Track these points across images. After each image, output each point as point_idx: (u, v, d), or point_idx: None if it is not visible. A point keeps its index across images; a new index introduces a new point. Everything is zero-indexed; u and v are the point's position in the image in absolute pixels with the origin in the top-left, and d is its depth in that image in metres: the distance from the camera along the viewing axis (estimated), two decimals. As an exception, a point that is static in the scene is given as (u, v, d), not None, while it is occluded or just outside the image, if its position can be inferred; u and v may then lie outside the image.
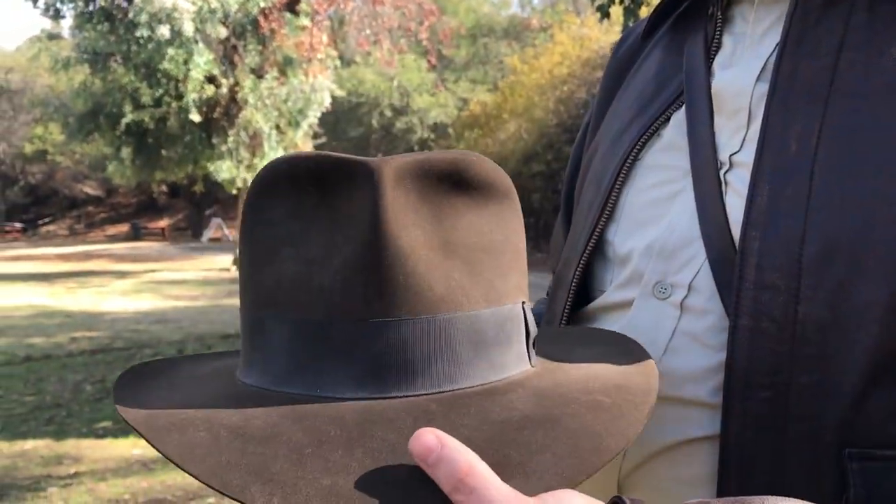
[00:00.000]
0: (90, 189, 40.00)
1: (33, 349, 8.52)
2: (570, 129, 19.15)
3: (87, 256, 24.03)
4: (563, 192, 0.90)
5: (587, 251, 0.71)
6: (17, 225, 39.94)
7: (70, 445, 5.00)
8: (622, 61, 0.82)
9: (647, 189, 0.69)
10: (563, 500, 0.40)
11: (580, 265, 0.71)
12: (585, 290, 0.73)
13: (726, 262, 0.58)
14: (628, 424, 0.45)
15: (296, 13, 17.57)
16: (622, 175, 0.70)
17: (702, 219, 0.61)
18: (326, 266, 0.46)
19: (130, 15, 15.15)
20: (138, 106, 16.83)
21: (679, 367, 0.61)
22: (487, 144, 22.21)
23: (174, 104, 16.91)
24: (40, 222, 41.99)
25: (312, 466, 0.39)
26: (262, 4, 16.01)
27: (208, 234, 31.85)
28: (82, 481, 4.33)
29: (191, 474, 0.37)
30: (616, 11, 7.78)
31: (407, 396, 0.45)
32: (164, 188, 36.72)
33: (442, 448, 0.40)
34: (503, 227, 0.51)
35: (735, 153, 0.63)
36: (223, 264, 19.68)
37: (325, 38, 17.50)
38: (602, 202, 0.71)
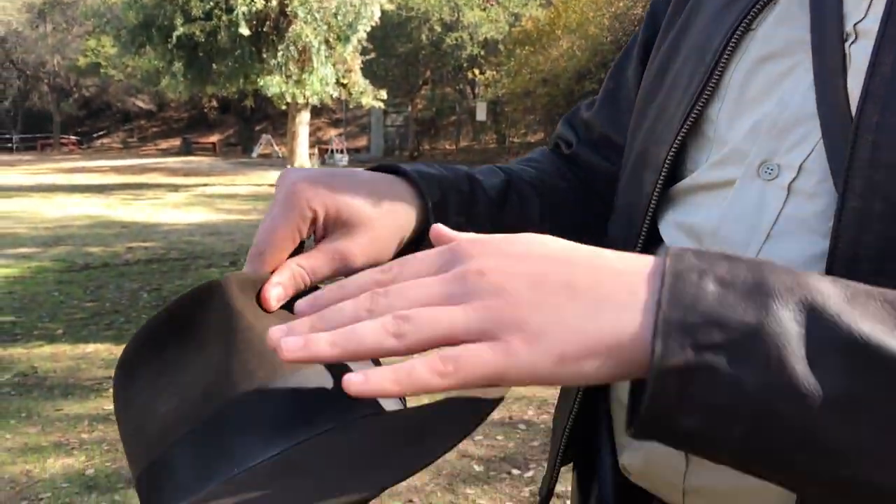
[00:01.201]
0: (142, 103, 40.38)
1: (92, 258, 8.76)
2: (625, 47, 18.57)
3: (141, 170, 24.45)
4: (639, 48, 0.82)
5: (684, 129, 0.65)
6: (73, 138, 40.68)
7: (129, 350, 5.18)
8: None
9: (758, 63, 0.63)
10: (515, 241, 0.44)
11: (675, 144, 0.66)
12: (672, 172, 0.68)
13: (843, 143, 0.54)
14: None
15: (346, -77, 17.16)
16: (730, 48, 0.64)
17: (819, 95, 0.56)
18: (203, 376, 0.50)
19: (180, -76, 14.92)
20: (189, 19, 16.76)
21: (781, 254, 0.57)
22: (539, 62, 21.72)
23: (224, 17, 16.80)
24: (95, 135, 42.69)
25: None
26: (313, -87, 15.64)
27: (258, 149, 32.07)
28: (142, 383, 4.49)
29: None
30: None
31: (308, 440, 0.49)
32: (214, 103, 36.90)
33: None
34: None
35: (859, 21, 0.57)
36: (273, 180, 19.85)
37: (375, -50, 17.10)
38: (705, 77, 0.65)
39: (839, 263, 0.52)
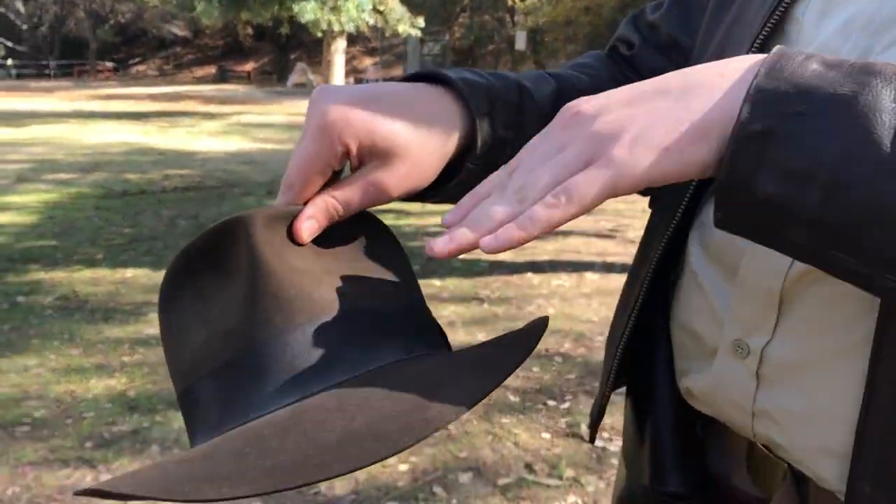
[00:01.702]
0: (178, 30, 40.17)
1: (129, 184, 8.82)
2: (671, -25, 17.93)
3: (177, 97, 24.45)
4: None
5: (766, 29, 0.60)
6: (109, 64, 40.75)
7: (168, 275, 5.22)
8: None
9: None
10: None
11: (756, 45, 0.61)
12: None
13: None
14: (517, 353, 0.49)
15: None
16: None
17: None
18: (227, 314, 0.50)
19: None
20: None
21: None
22: (580, -10, 21.11)
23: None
24: (131, 62, 42.71)
25: (252, 458, 0.42)
26: None
27: (293, 78, 31.87)
28: (180, 309, 4.54)
29: (146, 499, 0.40)
30: None
31: (327, 388, 0.48)
32: (249, 31, 36.59)
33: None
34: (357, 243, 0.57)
35: None
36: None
37: None
38: None
39: None
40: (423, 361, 0.50)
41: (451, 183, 0.61)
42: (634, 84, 0.46)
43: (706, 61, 0.66)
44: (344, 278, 0.52)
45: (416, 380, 0.46)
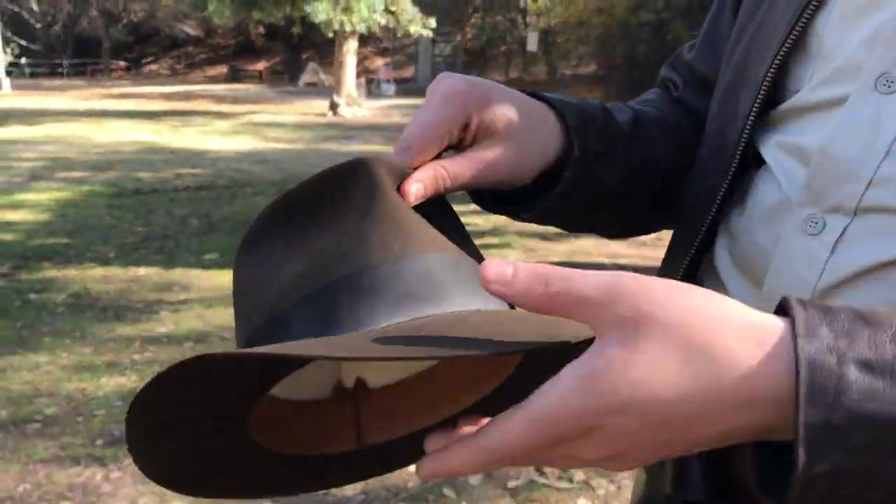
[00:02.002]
0: (190, 29, 40.32)
1: (141, 183, 8.86)
2: (684, -24, 17.89)
3: (189, 96, 24.54)
4: (715, 3, 0.78)
5: (787, 44, 0.60)
6: (122, 63, 40.95)
7: (179, 274, 5.24)
8: None
9: None
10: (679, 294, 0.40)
11: (777, 60, 0.60)
12: (771, 92, 0.62)
13: None
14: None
15: None
16: None
17: None
18: (340, 242, 0.51)
19: None
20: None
21: None
22: (593, -9, 21.07)
23: (272, -59, 16.56)
24: (143, 61, 42.92)
25: (383, 342, 0.43)
26: None
27: (305, 78, 31.92)
28: (192, 307, 4.55)
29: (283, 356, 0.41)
30: None
31: (445, 314, 0.49)
32: (261, 30, 36.69)
33: (515, 267, 0.41)
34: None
35: None
36: (320, 109, 19.79)
37: None
38: None
39: None
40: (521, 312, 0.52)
41: (551, 191, 0.63)
42: (662, 414, 0.39)
43: (728, 80, 0.67)
44: (445, 234, 0.54)
45: (528, 319, 0.47)
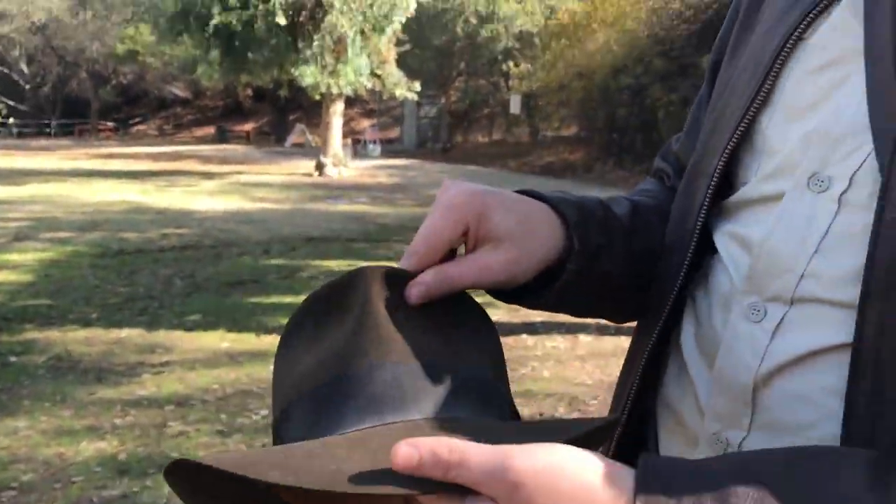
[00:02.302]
0: (179, 91, 40.79)
1: (126, 243, 8.86)
2: (662, 41, 18.36)
3: (176, 157, 24.70)
4: (708, 72, 0.83)
5: (735, 138, 0.65)
6: (110, 124, 41.24)
7: (162, 336, 5.22)
8: None
9: (811, 72, 0.62)
10: (549, 454, 0.46)
11: (725, 153, 0.65)
12: (727, 180, 0.67)
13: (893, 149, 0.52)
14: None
15: (384, -85, 17.15)
16: (783, 56, 0.63)
17: (872, 105, 0.55)
18: (335, 345, 0.57)
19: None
20: (226, 8, 16.89)
21: (830, 268, 0.56)
22: (574, 55, 21.55)
23: (261, 7, 16.91)
24: (131, 122, 43.24)
25: (321, 460, 0.48)
26: None
27: (291, 139, 32.24)
28: (174, 370, 4.53)
29: (225, 472, 0.46)
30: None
31: (403, 422, 0.53)
32: (249, 92, 37.16)
33: (420, 450, 0.45)
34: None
35: None
36: (306, 169, 19.95)
37: (413, -59, 17.09)
38: (758, 85, 0.64)
39: (877, 276, 0.51)
40: (491, 421, 0.56)
41: (555, 284, 0.67)
42: None
43: (690, 169, 0.73)
44: (438, 339, 0.58)
45: (481, 431, 0.51)
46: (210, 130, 38.51)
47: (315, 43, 16.91)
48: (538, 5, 25.94)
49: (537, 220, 0.65)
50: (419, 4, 18.31)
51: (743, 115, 0.64)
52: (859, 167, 0.55)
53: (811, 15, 0.63)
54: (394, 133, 33.17)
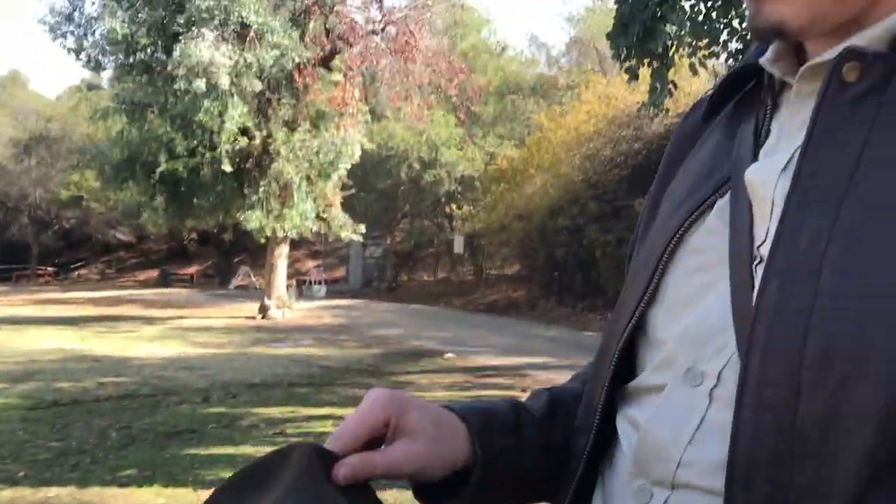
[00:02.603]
0: (122, 235, 40.66)
1: (61, 394, 8.62)
2: (596, 186, 19.23)
3: (117, 301, 24.33)
4: (628, 257, 0.89)
5: (627, 331, 0.72)
6: (50, 269, 40.60)
7: (94, 493, 5.04)
8: (685, 136, 0.83)
9: (690, 272, 0.68)
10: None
11: (620, 344, 0.72)
12: (631, 366, 0.73)
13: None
14: None
15: (330, 69, 17.99)
16: (666, 256, 0.70)
17: (734, 309, 0.61)
18: None
19: (169, 68, 15.61)
20: (173, 156, 17.22)
21: (703, 457, 0.61)
22: (513, 198, 22.36)
23: (208, 154, 17.29)
24: (73, 266, 42.65)
25: None
26: (298, 60, 16.42)
27: (235, 281, 32.13)
28: (105, 529, 4.36)
29: None
30: (644, 73, 7.93)
31: None
32: (194, 235, 37.23)
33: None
34: None
35: (761, 244, 0.62)
36: (250, 312, 19.82)
37: (357, 94, 17.86)
38: (646, 282, 0.71)
39: (739, 472, 0.56)
40: None
41: (468, 485, 0.74)
42: None
43: (598, 352, 0.80)
44: None
45: None
46: (153, 274, 38.19)
47: (261, 188, 17.25)
48: (478, 152, 27.06)
49: (447, 426, 0.74)
50: (364, 151, 18.95)
51: (635, 307, 0.71)
52: (725, 365, 0.61)
53: (692, 217, 0.70)
54: (339, 273, 33.37)
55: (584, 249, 18.07)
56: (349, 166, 18.04)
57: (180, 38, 15.50)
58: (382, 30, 18.62)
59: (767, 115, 0.69)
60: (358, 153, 17.74)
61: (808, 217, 0.58)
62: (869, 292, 0.54)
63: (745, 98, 0.74)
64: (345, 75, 17.65)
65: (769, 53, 0.69)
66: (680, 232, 0.70)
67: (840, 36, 0.62)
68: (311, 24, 17.58)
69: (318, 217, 18.43)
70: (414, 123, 22.42)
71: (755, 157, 0.67)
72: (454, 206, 26.80)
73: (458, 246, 26.15)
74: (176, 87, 15.27)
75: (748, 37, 7.07)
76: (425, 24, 19.07)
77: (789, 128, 0.66)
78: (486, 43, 32.77)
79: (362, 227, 19.43)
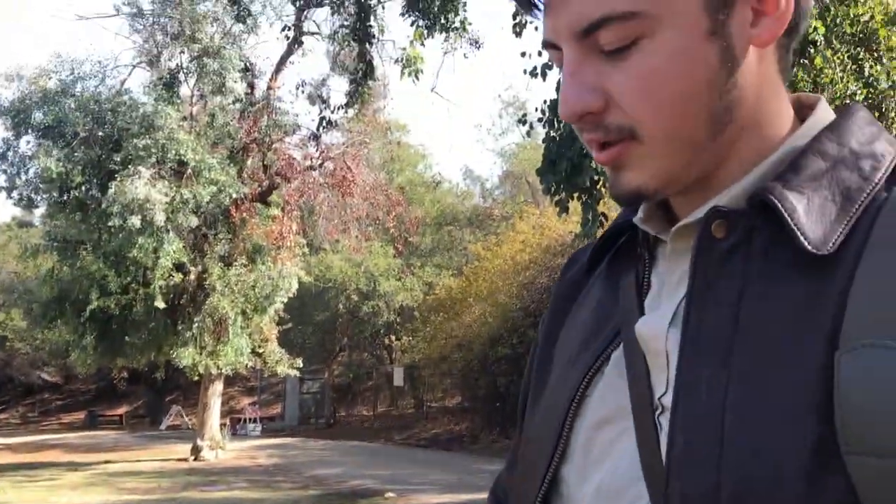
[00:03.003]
0: (48, 376, 39.02)
1: (-29, 552, 8.00)
2: (533, 314, 19.43)
3: (39, 447, 23.04)
4: (519, 407, 0.89)
5: (543, 488, 0.72)
6: (-33, 414, 38.47)
7: None
8: (567, 290, 0.85)
9: (595, 427, 0.70)
10: None
11: (538, 502, 0.72)
12: None
13: None
14: None
15: (267, 204, 18.17)
16: (572, 412, 0.72)
17: (643, 460, 0.63)
18: None
19: (103, 205, 15.53)
20: (105, 293, 16.86)
21: None
22: (453, 328, 22.39)
23: (141, 291, 16.99)
24: (-8, 410, 40.50)
25: None
26: (235, 196, 16.55)
27: (167, 421, 30.90)
28: None
29: None
30: (574, 206, 8.22)
31: None
32: (124, 374, 35.97)
33: None
34: None
35: (663, 395, 0.65)
36: (182, 453, 18.99)
37: (294, 227, 18.00)
38: (555, 440, 0.72)
39: None
40: None
41: None
42: None
43: None
44: None
45: None
46: (80, 416, 36.47)
47: (195, 325, 16.92)
48: (416, 282, 27.25)
49: None
50: (301, 284, 18.89)
51: (547, 466, 0.72)
52: None
53: (591, 372, 0.72)
54: (275, 409, 32.42)
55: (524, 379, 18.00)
56: (286, 300, 17.90)
57: (116, 175, 15.52)
58: (320, 165, 19.00)
59: (646, 267, 0.74)
60: (295, 286, 17.66)
61: (703, 367, 0.62)
62: (772, 437, 0.57)
63: (622, 250, 0.78)
64: (282, 210, 17.83)
65: (640, 213, 0.74)
66: (581, 387, 0.72)
67: (696, 193, 0.69)
68: (249, 161, 17.87)
69: (253, 352, 18.08)
70: (352, 255, 22.59)
71: (640, 308, 0.71)
72: (393, 338, 26.68)
73: (398, 378, 25.81)
74: (110, 224, 15.14)
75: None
76: (363, 159, 19.55)
77: (669, 280, 0.70)
78: (422, 176, 33.66)
79: (299, 362, 19.10)
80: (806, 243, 0.61)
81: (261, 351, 18.30)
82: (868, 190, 0.64)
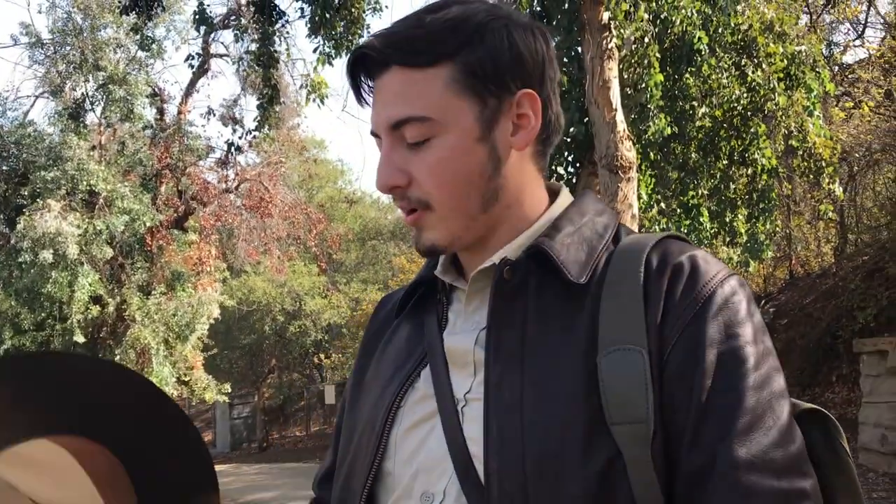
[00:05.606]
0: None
1: None
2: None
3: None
4: (335, 428, 1.13)
5: (369, 482, 0.93)
6: None
7: None
8: (378, 328, 1.10)
9: (411, 427, 0.93)
10: None
11: (364, 493, 0.93)
12: None
13: (467, 471, 0.85)
14: None
15: (184, 229, 17.93)
16: (390, 419, 0.94)
17: (449, 442, 0.87)
18: None
19: (13, 241, 15.09)
20: (19, 331, 16.35)
21: None
22: (382, 342, 22.42)
23: (58, 326, 16.52)
24: None
25: None
26: (150, 223, 16.30)
27: (93, 458, 29.95)
28: None
29: None
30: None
31: None
32: (44, 413, 34.72)
33: None
34: None
35: (468, 392, 0.90)
36: (109, 491, 18.44)
37: (213, 251, 17.82)
38: (377, 441, 0.94)
39: None
40: None
41: None
42: None
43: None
44: None
45: None
46: None
47: (117, 357, 16.55)
48: (343, 299, 27.22)
49: None
50: (225, 309, 18.69)
51: (371, 464, 0.94)
52: (447, 483, 0.87)
53: (403, 390, 0.96)
54: (206, 437, 31.81)
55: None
56: (208, 326, 17.69)
57: (24, 210, 15.11)
58: (237, 187, 18.88)
59: (445, 308, 1.00)
60: (216, 312, 17.46)
61: (504, 373, 0.87)
62: (556, 419, 0.83)
63: (422, 298, 1.03)
64: (200, 234, 17.64)
65: (440, 267, 1.00)
66: (397, 399, 0.97)
67: (478, 251, 0.95)
68: (163, 187, 17.62)
69: (179, 381, 17.78)
70: (275, 276, 22.43)
71: (441, 338, 0.97)
72: (323, 356, 26.55)
73: (330, 396, 25.68)
74: (21, 260, 14.73)
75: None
76: (280, 179, 19.51)
77: (465, 313, 0.97)
78: (342, 192, 33.65)
79: (227, 387, 18.89)
80: (569, 275, 0.88)
81: (186, 379, 18.01)
82: (603, 244, 0.92)
